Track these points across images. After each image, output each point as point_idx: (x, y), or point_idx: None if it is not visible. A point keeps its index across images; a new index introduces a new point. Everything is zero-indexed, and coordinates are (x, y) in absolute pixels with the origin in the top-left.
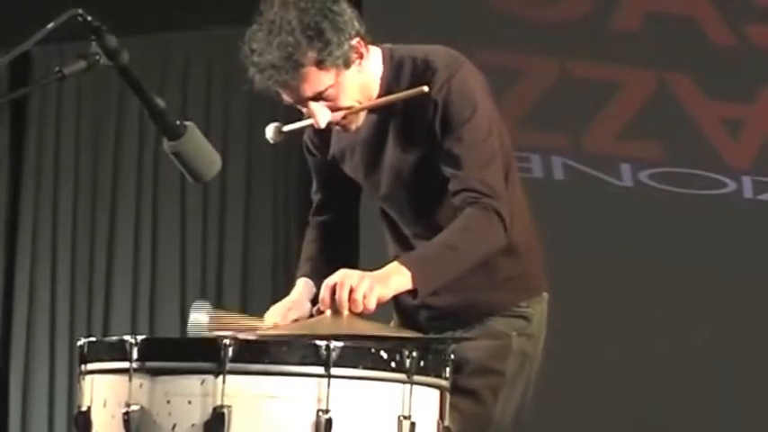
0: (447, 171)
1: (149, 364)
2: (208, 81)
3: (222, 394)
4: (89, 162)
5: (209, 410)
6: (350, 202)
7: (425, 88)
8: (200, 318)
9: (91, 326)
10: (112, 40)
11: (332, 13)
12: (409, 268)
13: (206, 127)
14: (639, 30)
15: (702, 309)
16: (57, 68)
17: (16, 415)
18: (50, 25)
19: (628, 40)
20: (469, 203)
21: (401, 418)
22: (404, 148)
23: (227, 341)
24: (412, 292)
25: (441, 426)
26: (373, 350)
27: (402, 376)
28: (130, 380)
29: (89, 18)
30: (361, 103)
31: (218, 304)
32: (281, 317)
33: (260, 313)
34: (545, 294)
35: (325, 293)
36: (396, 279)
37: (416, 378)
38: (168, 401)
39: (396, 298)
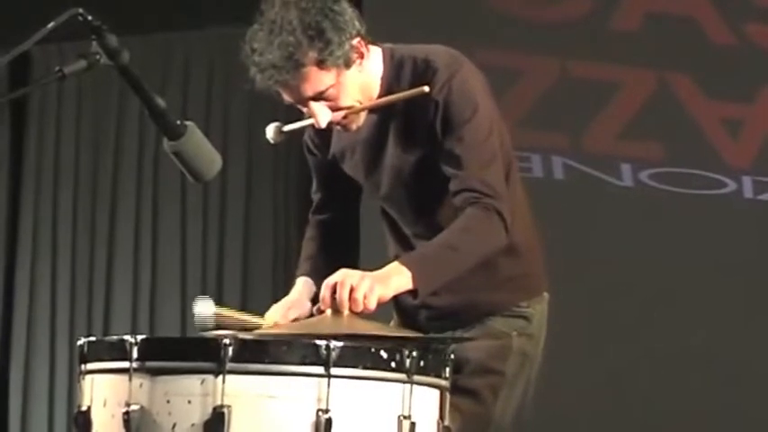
0: (448, 171)
1: (149, 363)
2: (208, 81)
3: (222, 394)
4: (89, 162)
5: (209, 410)
6: (350, 202)
7: (426, 88)
8: (205, 309)
9: (91, 325)
10: (113, 40)
11: (333, 13)
12: (410, 268)
13: (206, 127)
14: (639, 30)
15: (702, 309)
16: (57, 68)
17: (16, 414)
18: (50, 25)
19: (628, 40)
20: (470, 203)
21: (401, 417)
22: (404, 148)
23: (226, 341)
24: (412, 293)
25: (441, 425)
26: (373, 350)
27: (402, 376)
28: (130, 379)
29: (89, 17)
30: (361, 102)
31: (219, 303)
32: (281, 316)
33: (261, 313)
34: (545, 294)
35: (325, 293)
36: (396, 279)
37: (416, 378)
38: (168, 401)
39: (396, 298)
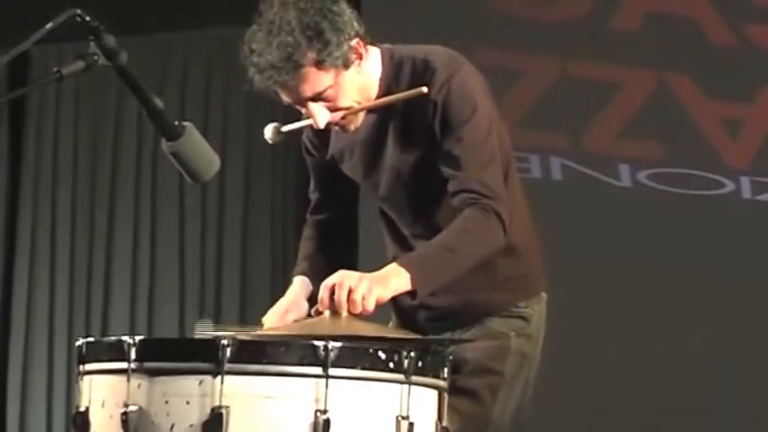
0: (446, 172)
1: (147, 364)
2: (207, 81)
3: (220, 395)
4: (88, 162)
5: (208, 411)
6: (348, 202)
7: (425, 89)
8: (206, 333)
9: (89, 326)
10: (111, 41)
11: (331, 14)
12: (408, 269)
13: (205, 127)
14: (639, 30)
15: (701, 309)
16: (55, 68)
17: (15, 415)
18: (49, 25)
19: (628, 40)
20: (469, 204)
21: (399, 418)
22: (403, 149)
23: (225, 341)
24: (411, 294)
25: (439, 426)
26: (371, 350)
27: (400, 377)
28: (129, 380)
29: (87, 18)
30: (360, 103)
31: (217, 305)
32: (279, 320)
33: (259, 319)
34: (544, 295)
35: (323, 294)
36: (395, 280)
37: (414, 378)
38: (166, 402)
39: (394, 299)
